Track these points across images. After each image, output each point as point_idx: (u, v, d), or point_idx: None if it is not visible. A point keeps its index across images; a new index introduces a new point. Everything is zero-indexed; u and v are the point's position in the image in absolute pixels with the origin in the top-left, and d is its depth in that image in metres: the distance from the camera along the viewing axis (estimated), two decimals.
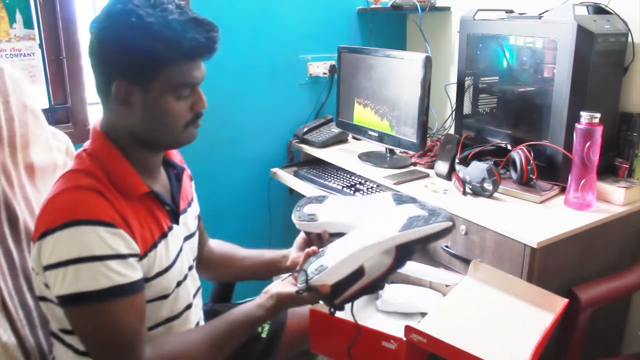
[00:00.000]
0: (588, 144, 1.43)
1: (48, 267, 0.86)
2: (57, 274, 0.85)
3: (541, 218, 1.45)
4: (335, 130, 2.23)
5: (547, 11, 1.63)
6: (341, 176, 2.00)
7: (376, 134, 2.00)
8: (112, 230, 0.86)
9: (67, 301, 0.86)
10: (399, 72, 1.86)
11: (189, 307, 1.07)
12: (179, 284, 1.03)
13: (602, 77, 1.55)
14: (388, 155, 1.99)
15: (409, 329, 1.02)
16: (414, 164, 1.94)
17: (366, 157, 2.02)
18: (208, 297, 1.38)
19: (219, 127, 2.18)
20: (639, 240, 1.61)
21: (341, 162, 2.03)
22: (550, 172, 1.60)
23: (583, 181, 1.46)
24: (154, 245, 0.95)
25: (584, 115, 1.43)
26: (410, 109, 1.82)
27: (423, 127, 1.79)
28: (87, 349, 0.90)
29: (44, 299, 0.94)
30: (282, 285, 1.04)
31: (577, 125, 1.45)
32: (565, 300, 1.11)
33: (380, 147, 2.04)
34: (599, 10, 1.62)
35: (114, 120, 0.96)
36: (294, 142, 2.31)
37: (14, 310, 1.01)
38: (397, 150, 2.01)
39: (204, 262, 1.27)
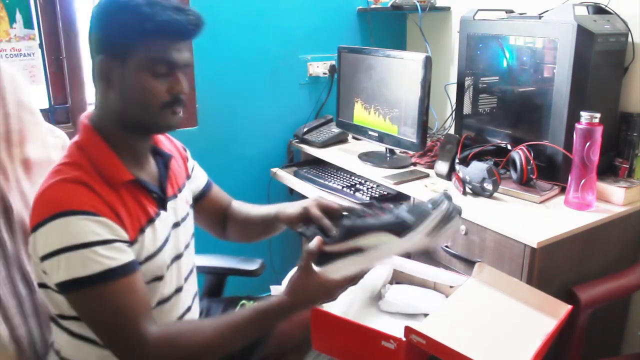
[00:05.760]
0: (588, 144, 1.43)
1: (43, 258, 0.91)
2: (51, 263, 0.90)
3: (541, 218, 1.44)
4: (335, 130, 2.23)
5: (547, 11, 1.63)
6: (341, 176, 2.00)
7: (376, 134, 1.99)
8: (96, 218, 0.91)
9: (65, 288, 0.91)
10: (399, 72, 1.86)
11: (178, 290, 1.10)
12: (167, 267, 1.06)
13: (602, 77, 1.55)
14: (388, 155, 1.99)
15: (408, 330, 1.02)
16: (414, 164, 1.94)
17: (366, 157, 2.02)
18: (200, 292, 1.38)
19: (219, 127, 2.18)
20: (639, 240, 1.61)
21: (341, 162, 2.03)
22: (550, 172, 1.60)
23: (583, 181, 1.46)
24: (142, 231, 0.99)
25: (584, 115, 1.43)
26: (410, 109, 1.82)
27: (423, 127, 1.79)
28: (93, 332, 0.94)
29: (43, 285, 0.98)
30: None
31: (577, 125, 1.45)
32: (569, 307, 1.11)
33: (380, 147, 2.04)
34: (599, 10, 1.62)
35: (100, 104, 1.01)
36: (294, 142, 2.31)
37: (4, 298, 1.04)
38: (397, 150, 2.01)
39: (231, 224, 1.31)
